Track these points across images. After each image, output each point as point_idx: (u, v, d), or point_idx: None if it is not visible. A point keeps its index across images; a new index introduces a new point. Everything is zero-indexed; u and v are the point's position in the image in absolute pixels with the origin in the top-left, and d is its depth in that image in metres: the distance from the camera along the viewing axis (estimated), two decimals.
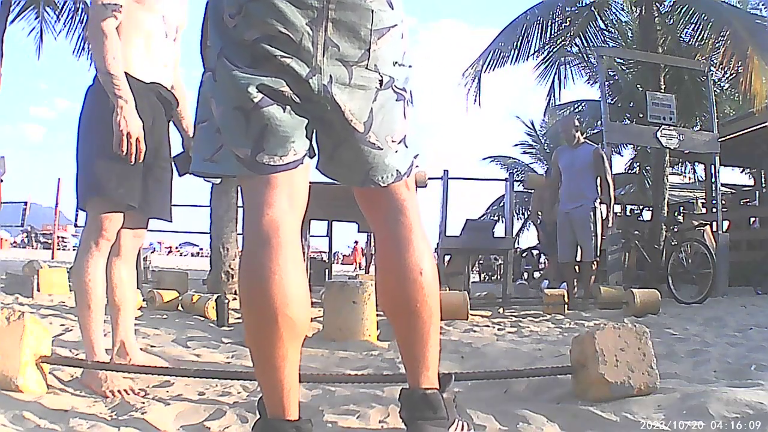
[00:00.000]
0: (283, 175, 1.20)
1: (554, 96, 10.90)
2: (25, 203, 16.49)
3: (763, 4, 10.49)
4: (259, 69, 1.16)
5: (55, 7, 11.82)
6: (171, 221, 2.23)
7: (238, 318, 3.74)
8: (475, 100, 9.66)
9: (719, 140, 7.10)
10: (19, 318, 1.77)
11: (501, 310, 5.17)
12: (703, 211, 10.55)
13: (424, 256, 1.27)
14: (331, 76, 1.17)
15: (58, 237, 21.41)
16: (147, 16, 2.04)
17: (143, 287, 5.21)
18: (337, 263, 26.94)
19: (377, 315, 3.21)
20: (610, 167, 6.03)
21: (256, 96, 1.15)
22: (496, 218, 16.71)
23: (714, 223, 7.10)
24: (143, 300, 4.47)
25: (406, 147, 1.28)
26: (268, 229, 1.16)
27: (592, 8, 9.85)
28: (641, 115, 8.91)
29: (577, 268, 5.60)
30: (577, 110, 13.21)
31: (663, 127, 6.79)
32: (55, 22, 11.95)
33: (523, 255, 11.50)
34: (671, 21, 9.25)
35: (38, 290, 5.11)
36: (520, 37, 9.38)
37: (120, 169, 1.93)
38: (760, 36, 7.69)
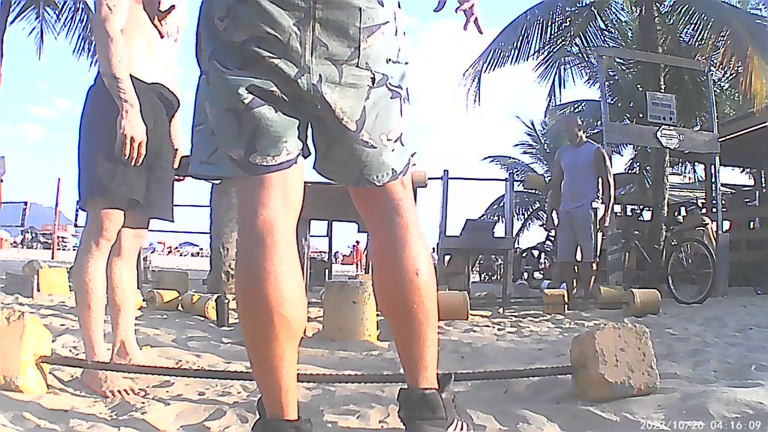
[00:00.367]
0: (276, 175, 1.20)
1: (554, 96, 10.91)
2: (25, 203, 16.50)
3: (763, 4, 10.50)
4: (249, 70, 1.17)
5: (55, 7, 11.83)
6: (173, 221, 2.23)
7: (238, 318, 3.73)
8: (475, 100, 9.67)
9: (719, 140, 7.10)
10: (19, 318, 1.77)
11: (501, 310, 5.17)
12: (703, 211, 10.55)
13: (420, 256, 1.27)
14: (320, 75, 1.17)
15: (58, 237, 21.41)
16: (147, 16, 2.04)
17: (143, 287, 5.21)
18: (337, 263, 26.93)
19: (377, 315, 3.21)
20: (611, 166, 6.03)
21: (246, 97, 1.16)
22: (496, 218, 16.69)
23: (714, 223, 7.11)
24: (143, 300, 4.47)
25: (403, 145, 1.28)
26: (263, 229, 1.16)
27: (592, 8, 9.86)
28: (641, 115, 8.91)
29: (576, 268, 5.60)
30: (577, 110, 13.21)
31: (663, 127, 6.79)
32: (55, 21, 11.98)
33: (523, 255, 11.50)
34: (671, 21, 9.25)
35: (38, 290, 5.11)
36: (520, 37, 9.38)
37: (122, 168, 1.93)
38: (760, 36, 7.69)
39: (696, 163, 13.04)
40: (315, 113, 1.21)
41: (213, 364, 2.46)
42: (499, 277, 13.64)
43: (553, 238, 8.80)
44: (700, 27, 8.60)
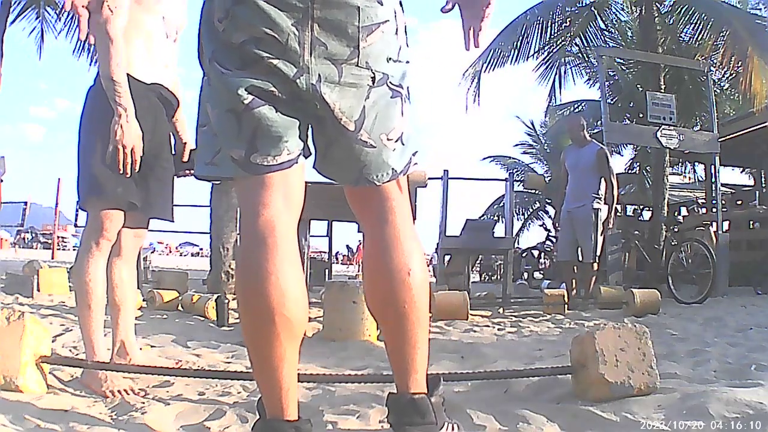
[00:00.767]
0: (277, 175, 1.20)
1: (554, 96, 10.90)
2: (25, 203, 16.51)
3: (763, 4, 10.50)
4: (249, 71, 1.17)
5: (56, 7, 11.81)
6: (173, 221, 2.23)
7: (238, 318, 3.73)
8: (475, 100, 9.67)
9: (719, 140, 7.10)
10: (19, 318, 1.77)
11: (501, 310, 5.17)
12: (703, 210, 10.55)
13: (413, 257, 1.26)
14: (319, 75, 1.17)
15: (58, 237, 21.41)
16: (147, 17, 2.05)
17: (143, 287, 5.21)
18: (337, 263, 26.92)
19: None
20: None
21: (246, 98, 1.16)
22: (496, 218, 16.68)
23: (714, 223, 7.11)
24: (143, 300, 4.47)
25: (403, 145, 1.27)
26: (264, 229, 1.16)
27: (592, 8, 9.85)
28: (641, 115, 8.90)
29: (575, 268, 5.60)
30: (577, 110, 13.20)
31: (663, 127, 6.79)
32: (56, 21, 11.97)
33: (523, 255, 11.51)
34: (671, 21, 9.24)
35: (38, 290, 5.11)
36: (520, 37, 9.38)
37: (119, 171, 1.93)
38: (760, 36, 7.70)
39: (696, 163, 13.04)
40: (314, 113, 1.21)
41: (213, 364, 2.46)
42: (499, 277, 13.64)
43: (553, 238, 8.80)
44: (700, 27, 8.60)
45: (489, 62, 9.48)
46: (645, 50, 8.39)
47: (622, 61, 11.40)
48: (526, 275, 10.98)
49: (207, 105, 1.24)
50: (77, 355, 2.44)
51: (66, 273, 5.56)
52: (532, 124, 19.81)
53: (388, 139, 1.24)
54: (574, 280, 5.55)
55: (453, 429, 1.31)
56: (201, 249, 37.95)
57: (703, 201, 10.44)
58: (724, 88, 10.95)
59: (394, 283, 1.24)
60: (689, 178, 15.23)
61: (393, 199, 1.29)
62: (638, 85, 10.86)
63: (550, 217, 18.39)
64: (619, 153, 14.03)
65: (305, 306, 1.18)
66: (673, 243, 6.55)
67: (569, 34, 9.87)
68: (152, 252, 14.95)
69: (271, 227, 1.16)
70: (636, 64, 10.78)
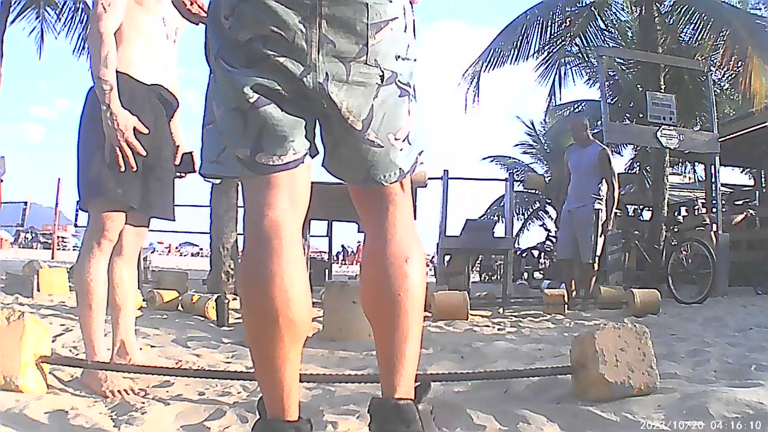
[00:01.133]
0: (283, 175, 1.19)
1: (554, 96, 10.89)
2: (25, 203, 16.52)
3: (763, 4, 10.49)
4: (255, 69, 1.15)
5: (56, 7, 11.81)
6: (174, 220, 2.24)
7: (238, 318, 3.74)
8: (475, 100, 9.67)
9: (719, 140, 7.09)
10: (19, 318, 1.78)
11: (501, 310, 5.17)
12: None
13: (412, 249, 1.23)
14: (327, 73, 1.15)
15: (58, 237, 21.41)
16: (147, 17, 2.05)
17: (143, 287, 5.21)
18: (337, 263, 26.92)
19: None
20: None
21: (252, 96, 1.14)
22: (496, 218, 16.68)
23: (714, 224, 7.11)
24: (143, 300, 4.47)
25: (410, 144, 1.26)
26: (269, 229, 1.15)
27: (592, 8, 9.85)
28: (641, 115, 8.90)
29: (574, 267, 5.59)
30: (577, 110, 13.20)
31: (663, 127, 6.79)
32: (56, 21, 11.96)
33: (523, 255, 11.51)
34: (671, 21, 9.24)
35: (38, 290, 5.11)
36: (520, 37, 9.37)
37: (118, 170, 1.94)
38: (760, 36, 7.69)
39: (696, 163, 13.03)
40: (322, 112, 1.19)
41: (213, 364, 2.46)
42: (499, 277, 13.63)
43: (553, 238, 8.81)
44: (700, 27, 8.59)
45: (489, 62, 9.47)
46: (645, 50, 8.39)
47: (622, 61, 11.40)
48: (526, 275, 10.98)
49: (213, 102, 1.23)
50: (77, 355, 2.44)
51: (66, 273, 5.56)
52: (532, 124, 19.81)
53: (395, 139, 1.23)
54: (573, 280, 5.55)
55: None
56: (201, 249, 37.90)
57: (703, 201, 10.44)
58: (724, 88, 10.95)
59: (391, 269, 1.20)
60: (689, 178, 15.22)
61: (396, 198, 1.28)
62: (638, 85, 10.85)
63: (550, 217, 18.41)
64: (619, 153, 14.02)
65: (309, 307, 1.16)
66: (673, 243, 6.55)
67: (569, 34, 9.87)
68: (152, 252, 14.94)
69: (276, 228, 1.15)
70: (636, 64, 10.78)
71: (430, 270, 11.70)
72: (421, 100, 1.33)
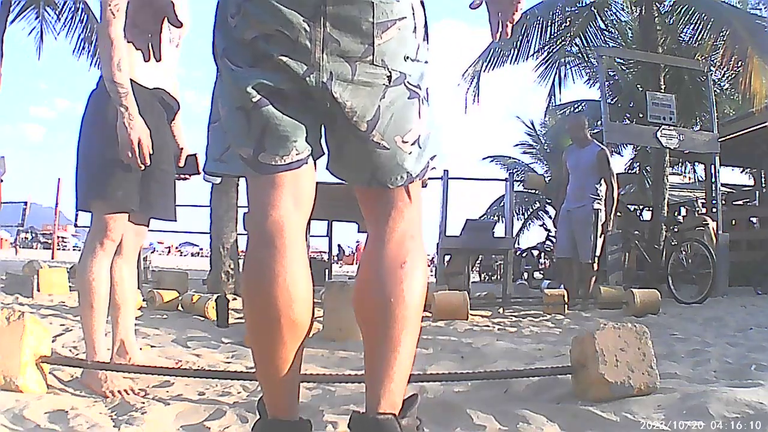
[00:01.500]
0: (287, 175, 1.17)
1: (554, 96, 10.90)
2: (25, 203, 16.51)
3: (763, 4, 10.50)
4: (259, 68, 1.14)
5: (55, 7, 11.81)
6: (176, 221, 2.25)
7: (238, 318, 3.74)
8: (474, 100, 9.68)
9: (719, 140, 7.10)
10: (19, 318, 1.78)
11: (501, 310, 5.17)
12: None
13: (411, 254, 1.19)
14: (331, 72, 1.14)
15: (58, 237, 21.41)
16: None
17: (143, 287, 5.21)
18: (337, 263, 26.91)
19: None
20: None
21: (255, 95, 1.14)
22: (496, 218, 16.68)
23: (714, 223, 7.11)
24: (143, 300, 4.47)
25: (420, 148, 1.22)
26: (273, 229, 1.14)
27: (592, 8, 9.85)
28: (641, 115, 8.91)
29: (573, 266, 5.60)
30: (577, 110, 13.20)
31: (663, 127, 6.79)
32: (55, 21, 11.96)
33: (523, 255, 11.50)
34: (671, 21, 9.24)
35: (38, 290, 5.11)
36: (520, 37, 9.38)
37: (119, 173, 1.95)
38: (760, 36, 7.69)
39: (696, 163, 13.03)
40: (326, 112, 1.18)
41: (213, 364, 2.46)
42: (499, 277, 13.63)
43: (553, 238, 8.81)
44: (700, 27, 8.60)
45: (489, 62, 9.49)
46: (645, 50, 8.39)
47: (622, 61, 11.40)
48: (526, 275, 10.98)
49: (218, 101, 1.23)
50: (77, 355, 2.45)
51: (66, 273, 5.56)
52: (532, 124, 19.81)
53: (403, 142, 1.20)
54: (572, 279, 5.55)
55: None
56: (201, 249, 37.90)
57: (703, 201, 10.44)
58: (724, 88, 10.96)
59: (384, 272, 1.16)
60: (689, 178, 15.23)
61: (403, 203, 1.24)
62: (638, 85, 10.86)
63: (550, 217, 18.39)
64: (619, 153, 14.03)
65: (311, 308, 1.16)
66: (673, 243, 6.55)
67: (569, 34, 9.88)
68: (152, 252, 14.94)
69: (279, 228, 1.14)
70: (636, 64, 10.79)
71: (431, 270, 11.71)
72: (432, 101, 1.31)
